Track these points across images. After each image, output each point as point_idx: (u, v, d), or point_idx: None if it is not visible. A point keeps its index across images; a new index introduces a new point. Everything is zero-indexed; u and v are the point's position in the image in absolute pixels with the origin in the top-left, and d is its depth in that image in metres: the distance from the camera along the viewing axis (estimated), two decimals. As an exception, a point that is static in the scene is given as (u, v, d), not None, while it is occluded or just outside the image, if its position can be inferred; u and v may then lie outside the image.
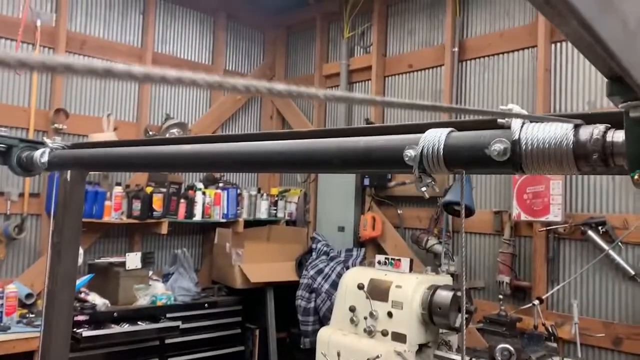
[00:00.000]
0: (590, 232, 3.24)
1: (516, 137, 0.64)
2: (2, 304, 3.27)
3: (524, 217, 3.46)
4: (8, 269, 3.80)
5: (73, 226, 1.69)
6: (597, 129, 0.62)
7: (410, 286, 3.00)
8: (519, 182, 3.50)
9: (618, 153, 0.62)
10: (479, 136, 0.69)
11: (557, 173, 0.69)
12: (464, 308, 2.56)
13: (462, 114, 3.84)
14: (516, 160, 0.66)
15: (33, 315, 3.39)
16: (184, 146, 1.03)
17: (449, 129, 0.71)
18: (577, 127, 0.63)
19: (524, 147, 0.64)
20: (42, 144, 1.45)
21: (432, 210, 4.04)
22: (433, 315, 2.90)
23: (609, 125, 0.64)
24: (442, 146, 0.69)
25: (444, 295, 2.89)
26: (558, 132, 0.62)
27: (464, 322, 2.79)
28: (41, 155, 1.42)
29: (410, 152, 0.70)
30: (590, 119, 0.67)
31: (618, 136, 0.62)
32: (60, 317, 1.62)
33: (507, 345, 2.31)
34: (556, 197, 3.33)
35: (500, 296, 3.02)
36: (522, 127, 0.65)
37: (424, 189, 0.75)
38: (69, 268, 1.72)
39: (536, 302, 2.81)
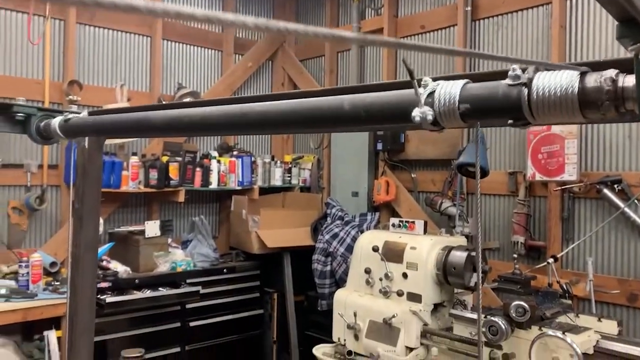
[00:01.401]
0: (605, 191, 3.23)
1: (527, 84, 0.65)
2: (27, 272, 3.37)
3: (538, 177, 3.45)
4: (31, 239, 3.91)
5: (93, 193, 1.73)
6: (606, 75, 0.63)
7: (425, 247, 3.03)
8: (534, 142, 3.48)
9: (629, 98, 0.63)
10: (492, 86, 0.69)
11: (567, 121, 0.70)
12: (480, 266, 2.59)
13: (476, 63, 3.76)
14: (527, 109, 0.66)
15: (58, 283, 3.50)
16: (203, 108, 1.05)
17: (464, 80, 0.72)
18: (584, 74, 0.63)
19: (534, 95, 0.65)
20: (60, 112, 1.48)
21: (446, 173, 4.04)
22: (448, 275, 2.93)
23: (619, 71, 0.64)
24: (456, 96, 0.70)
25: (459, 256, 2.92)
26: (566, 79, 0.63)
27: (480, 280, 2.83)
28: (60, 123, 1.45)
29: (424, 104, 0.71)
30: (600, 66, 0.67)
31: (628, 81, 0.63)
32: (85, 281, 1.68)
33: (522, 302, 2.34)
34: (571, 156, 3.31)
35: (515, 256, 3.04)
36: (532, 76, 0.66)
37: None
38: (91, 234, 1.77)
39: (551, 260, 2.83)
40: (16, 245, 3.77)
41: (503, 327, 2.36)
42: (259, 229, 4.49)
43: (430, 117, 0.72)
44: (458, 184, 3.86)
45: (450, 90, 0.71)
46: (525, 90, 0.65)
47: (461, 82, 0.72)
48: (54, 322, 3.33)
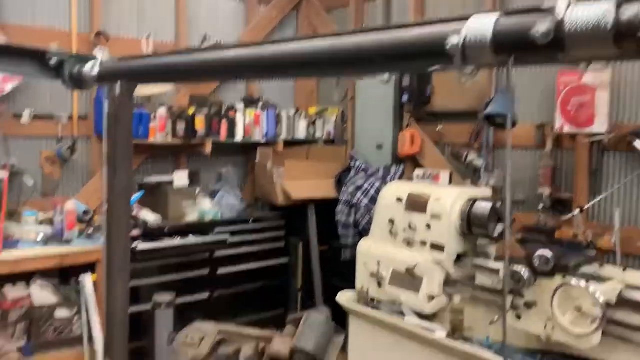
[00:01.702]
0: (636, 143, 3.17)
1: (560, 17, 0.65)
2: (62, 220, 3.50)
3: (567, 129, 3.40)
4: (64, 188, 4.03)
5: (125, 139, 1.76)
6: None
7: (449, 198, 3.04)
8: (563, 93, 3.40)
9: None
10: (524, 20, 0.69)
11: (601, 57, 0.70)
12: (509, 213, 2.60)
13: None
14: (560, 42, 0.66)
15: (91, 231, 3.62)
16: (236, 49, 1.06)
17: (495, 14, 0.72)
18: (621, 4, 0.63)
19: (567, 28, 0.65)
20: (93, 58, 1.51)
21: (472, 125, 4.00)
22: (472, 226, 2.95)
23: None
24: (487, 32, 0.70)
25: (483, 207, 2.93)
26: (601, 10, 0.62)
27: (509, 227, 2.84)
28: (92, 69, 1.48)
29: (453, 39, 0.71)
30: (636, -1, 0.66)
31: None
32: (120, 227, 1.71)
33: (545, 252, 2.35)
34: (602, 108, 3.24)
35: (540, 208, 3.03)
36: (567, 8, 0.65)
37: (465, 79, 0.77)
38: (124, 180, 1.80)
39: (577, 211, 2.82)
40: (50, 194, 3.90)
41: (526, 275, 2.39)
42: (283, 181, 4.55)
43: (460, 54, 0.73)
44: (485, 135, 3.83)
45: (483, 25, 0.71)
46: (558, 23, 0.65)
47: (494, 16, 0.72)
48: (89, 267, 3.47)
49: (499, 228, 2.91)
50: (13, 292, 3.31)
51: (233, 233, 4.33)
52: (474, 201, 2.98)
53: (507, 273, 1.75)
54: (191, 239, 4.00)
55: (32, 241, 3.35)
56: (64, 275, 3.71)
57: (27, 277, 3.45)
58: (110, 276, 1.55)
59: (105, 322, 1.47)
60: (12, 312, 3.26)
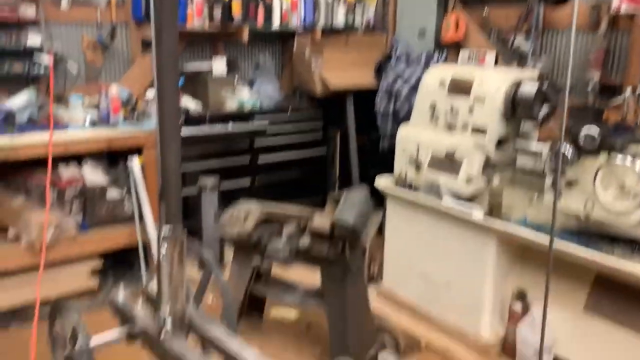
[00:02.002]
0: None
1: None
2: (107, 104, 3.58)
3: (625, 8, 3.19)
4: (106, 75, 4.09)
5: (170, 22, 1.72)
6: None
7: (494, 80, 2.97)
8: (625, -32, 3.16)
9: None
10: None
11: None
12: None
13: None
14: None
15: (135, 115, 3.71)
16: None
17: None
18: None
19: None
20: None
21: (521, 8, 3.80)
22: (516, 108, 2.90)
23: None
24: None
25: (529, 88, 2.85)
26: None
27: (549, 113, 2.77)
28: None
29: None
30: None
31: None
32: (170, 107, 1.69)
33: (591, 129, 2.31)
34: (666, -17, 3.01)
35: (588, 90, 2.93)
36: None
37: None
38: (171, 62, 1.77)
39: (628, 92, 2.71)
40: (93, 80, 3.97)
41: (569, 153, 2.37)
42: (321, 70, 4.49)
43: None
44: (534, 17, 3.63)
45: None
46: None
47: None
48: (136, 151, 3.59)
49: (544, 110, 2.86)
50: (67, 172, 3.48)
51: (272, 123, 4.37)
52: (519, 83, 2.90)
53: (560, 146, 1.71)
54: (231, 127, 4.06)
55: (80, 125, 3.46)
56: (112, 158, 3.86)
57: (78, 159, 3.61)
58: (165, 157, 1.58)
59: (161, 179, 1.55)
60: (68, 190, 3.45)
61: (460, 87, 3.09)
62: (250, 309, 3.18)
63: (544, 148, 2.73)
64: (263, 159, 4.41)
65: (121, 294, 1.71)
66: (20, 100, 3.31)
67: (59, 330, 1.63)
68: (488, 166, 3.01)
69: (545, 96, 2.82)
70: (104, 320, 3.20)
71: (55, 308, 1.64)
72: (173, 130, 1.55)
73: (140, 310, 1.63)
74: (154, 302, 1.59)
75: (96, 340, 1.56)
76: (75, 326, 1.52)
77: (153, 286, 1.61)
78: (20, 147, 3.08)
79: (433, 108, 3.23)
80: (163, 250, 1.47)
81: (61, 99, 3.70)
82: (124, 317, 1.66)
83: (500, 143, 3.05)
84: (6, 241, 3.31)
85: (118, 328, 1.66)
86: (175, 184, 1.55)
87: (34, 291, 3.18)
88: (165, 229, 1.48)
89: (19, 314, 3.22)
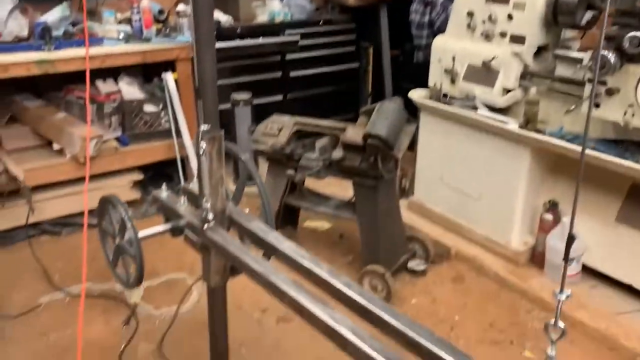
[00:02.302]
0: None
1: None
2: (140, 18, 3.57)
3: None
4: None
5: None
6: None
7: (536, -16, 2.82)
8: None
9: None
10: None
11: None
12: None
13: None
14: None
15: (168, 30, 3.70)
16: None
17: None
18: None
19: None
20: None
21: None
22: (558, 14, 2.77)
23: None
24: None
25: (573, -8, 2.71)
26: None
27: (592, 18, 2.63)
28: None
29: None
30: None
31: None
32: (206, 19, 1.66)
33: (637, 34, 2.20)
34: None
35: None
36: None
37: None
38: None
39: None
40: (124, -6, 3.94)
41: (612, 59, 2.28)
42: (355, -21, 4.34)
43: None
44: None
45: None
46: None
47: None
48: (169, 65, 3.62)
49: (588, 16, 2.73)
50: (105, 87, 3.55)
51: (303, 35, 4.29)
52: (563, -14, 2.75)
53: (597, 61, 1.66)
54: (263, 39, 4.01)
55: (114, 39, 3.48)
56: (147, 75, 3.91)
57: (114, 74, 3.67)
58: (201, 69, 1.59)
59: (197, 78, 1.57)
60: (106, 105, 3.53)
61: (499, -7, 2.95)
62: (285, 221, 3.29)
63: (585, 56, 2.63)
64: (295, 73, 4.39)
65: (164, 191, 1.81)
66: (54, 16, 3.33)
67: (107, 223, 1.75)
68: (525, 76, 2.94)
69: (589, 1, 2.68)
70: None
71: (104, 202, 1.74)
72: (208, 35, 1.55)
73: (183, 206, 1.72)
74: (195, 199, 1.67)
75: (144, 232, 1.67)
76: (124, 218, 1.62)
77: (194, 186, 1.69)
78: (58, 61, 3.14)
79: (470, 16, 3.12)
80: (202, 147, 1.53)
81: (94, 14, 3.70)
82: (168, 213, 1.76)
83: (539, 52, 2.95)
84: (51, 155, 3.45)
85: (163, 224, 1.77)
86: (211, 83, 1.57)
87: (81, 201, 3.37)
88: (204, 127, 1.53)
89: (68, 223, 3.42)
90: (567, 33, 3.00)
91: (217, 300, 1.91)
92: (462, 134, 3.17)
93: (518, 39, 2.91)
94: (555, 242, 2.79)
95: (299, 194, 3.16)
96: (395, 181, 3.09)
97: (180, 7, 3.77)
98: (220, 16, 3.95)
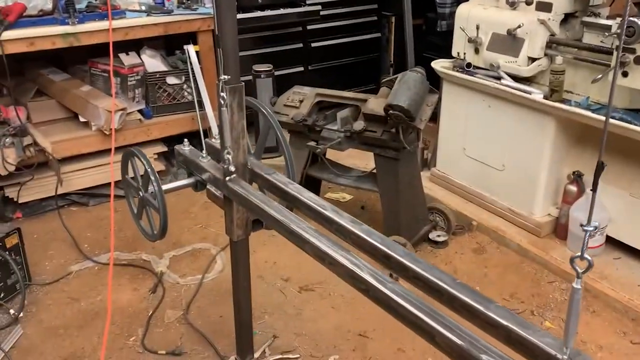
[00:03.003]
0: None
1: None
2: (161, -10, 3.57)
3: None
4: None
5: None
6: None
7: (564, -51, 2.73)
8: None
9: None
10: None
11: None
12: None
13: None
14: None
15: (189, 1, 3.69)
16: None
17: None
18: None
19: None
20: None
21: None
22: (586, -21, 2.69)
23: None
24: None
25: (603, -43, 2.62)
26: None
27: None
28: None
29: None
30: None
31: None
32: None
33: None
34: None
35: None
36: None
37: None
38: None
39: None
40: (145, -34, 3.93)
41: (641, 27, 2.22)
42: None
43: None
44: None
45: None
46: None
47: None
48: (191, 37, 3.63)
49: (619, -20, 2.64)
50: (128, 60, 3.58)
51: (324, 5, 4.24)
52: (592, -49, 2.67)
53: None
54: (283, 10, 3.98)
55: (136, 11, 3.49)
56: (169, 47, 3.93)
57: (137, 47, 3.69)
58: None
59: (217, 29, 1.56)
60: (130, 77, 3.57)
61: (526, -41, 2.87)
62: (307, 191, 3.32)
63: (613, 23, 2.56)
64: (316, 43, 4.35)
65: (187, 146, 1.84)
66: (77, -12, 3.35)
67: (131, 176, 1.79)
68: (551, 45, 2.87)
69: (621, -35, 2.60)
70: (172, 201, 3.46)
71: (127, 155, 1.78)
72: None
73: (205, 159, 1.75)
74: (217, 154, 1.68)
75: (167, 185, 1.71)
76: (148, 171, 1.65)
77: (216, 141, 1.71)
78: (82, 34, 3.17)
79: (495, -17, 3.04)
80: (223, 98, 1.54)
81: (116, -14, 3.71)
82: (190, 167, 1.79)
83: (566, 19, 2.88)
84: (77, 127, 3.52)
85: (186, 178, 1.81)
86: (231, 32, 1.55)
87: (107, 173, 3.44)
88: (224, 77, 1.53)
89: (95, 194, 3.50)
90: (596, 0, 2.91)
91: (240, 261, 1.93)
92: (485, 105, 3.13)
93: (544, 6, 2.83)
94: (579, 213, 2.76)
95: (320, 165, 3.17)
96: (417, 152, 3.08)
97: (201, -23, 3.76)
98: (240, -14, 3.92)
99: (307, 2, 4.13)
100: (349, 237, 1.33)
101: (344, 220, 1.36)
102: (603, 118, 2.53)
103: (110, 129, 3.28)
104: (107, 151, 3.43)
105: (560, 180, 2.97)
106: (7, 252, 2.52)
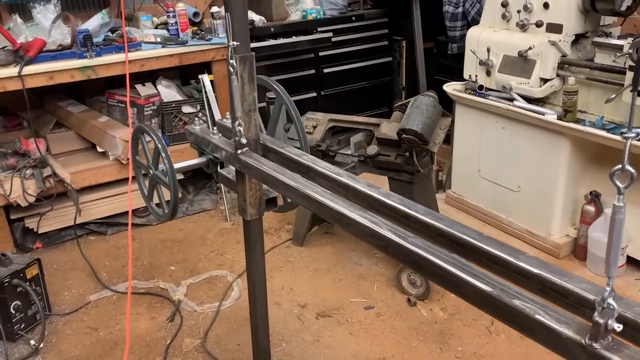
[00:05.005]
0: None
1: None
2: (176, 22, 3.65)
3: None
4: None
5: None
6: None
7: (573, -29, 2.76)
8: None
9: None
10: None
11: None
12: None
13: None
14: None
15: (203, 32, 3.77)
16: None
17: None
18: None
19: None
20: None
21: None
22: (596, 0, 2.71)
23: None
24: None
25: (612, -23, 2.64)
26: None
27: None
28: None
29: None
30: None
31: None
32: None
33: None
34: None
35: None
36: None
37: None
38: None
39: None
40: (159, 0, 4.04)
41: (654, 46, 2.22)
42: (386, -27, 4.32)
43: None
44: None
45: None
46: None
47: None
48: (205, 67, 3.69)
49: (627, 1, 2.65)
50: (144, 90, 3.65)
51: (336, 32, 4.30)
52: (601, -28, 2.69)
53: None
54: (295, 38, 4.05)
55: (152, 43, 3.57)
56: (184, 77, 4.00)
57: (152, 78, 3.77)
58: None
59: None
60: (146, 107, 3.63)
61: (534, -18, 2.90)
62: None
63: (625, 43, 2.56)
64: (328, 69, 4.40)
65: (198, 125, 1.80)
66: (95, 22, 3.44)
67: (142, 154, 1.75)
68: (563, 65, 2.88)
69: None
70: (188, 228, 3.48)
71: (137, 132, 1.75)
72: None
73: (216, 137, 1.70)
74: (228, 132, 1.64)
75: (178, 164, 1.67)
76: (158, 147, 1.62)
77: (226, 120, 1.67)
78: (99, 67, 3.25)
79: (505, 6, 3.07)
80: (233, 66, 1.46)
81: (132, 20, 3.81)
82: (202, 145, 1.74)
83: (577, 40, 2.89)
84: (95, 157, 3.58)
85: (198, 158, 1.77)
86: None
87: (124, 202, 3.49)
88: (233, 43, 1.44)
89: (112, 223, 3.54)
90: (607, 19, 2.93)
91: (254, 244, 1.88)
92: (498, 126, 3.13)
93: (555, 28, 2.85)
94: (597, 234, 2.73)
95: (335, 190, 3.17)
96: (432, 175, 3.08)
97: (214, 8, 3.84)
98: (253, 16, 3.99)
99: (319, 30, 4.19)
100: (367, 201, 1.27)
101: (361, 185, 1.31)
102: (618, 138, 2.52)
103: (128, 159, 3.33)
104: (124, 180, 3.48)
105: (578, 200, 2.94)
106: (27, 283, 2.55)
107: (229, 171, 1.80)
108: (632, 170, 0.79)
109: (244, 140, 1.54)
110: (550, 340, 0.83)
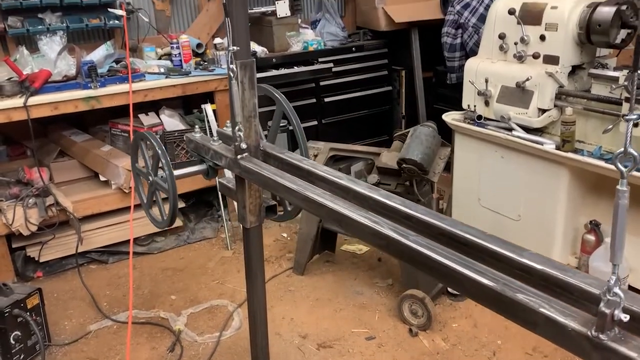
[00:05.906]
0: None
1: None
2: (179, 53, 3.72)
3: None
4: (175, 24, 4.22)
5: None
6: None
7: (568, 5, 2.82)
8: None
9: None
10: None
11: None
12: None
13: None
14: None
15: (206, 62, 3.83)
16: None
17: None
18: None
19: None
20: None
21: None
22: (591, 33, 2.76)
23: None
24: None
25: (606, 11, 2.70)
26: None
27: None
28: None
29: None
30: None
31: None
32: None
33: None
34: None
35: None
36: None
37: None
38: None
39: None
40: (163, 30, 4.12)
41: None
42: (385, 5, 4.41)
43: None
44: None
45: None
46: None
47: None
48: (208, 97, 3.74)
49: (622, 34, 2.71)
50: (147, 119, 3.70)
51: (336, 62, 4.37)
52: (595, 6, 2.75)
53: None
54: (297, 68, 4.12)
55: (155, 74, 3.63)
56: (187, 106, 4.05)
57: (155, 108, 3.82)
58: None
59: (227, 4, 1.47)
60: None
61: (531, 15, 2.96)
62: (323, 245, 3.33)
63: (621, 74, 2.61)
64: (329, 98, 4.46)
65: (198, 133, 1.81)
66: (99, 54, 3.51)
67: (142, 161, 1.75)
68: (560, 96, 2.92)
69: (623, 18, 2.67)
70: (189, 256, 3.48)
71: (138, 139, 1.75)
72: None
73: (216, 143, 1.69)
74: (228, 140, 1.63)
75: (178, 171, 1.66)
76: (158, 152, 1.61)
77: (226, 129, 1.67)
78: (104, 97, 3.30)
79: (502, 38, 3.13)
80: (234, 71, 1.45)
81: (136, 51, 3.88)
82: (202, 152, 1.74)
83: (573, 71, 2.94)
84: (98, 186, 3.60)
85: (198, 165, 1.77)
86: (241, 3, 1.49)
87: (126, 230, 3.50)
88: (233, 48, 1.43)
89: (114, 252, 3.55)
90: (603, 51, 2.98)
91: (253, 247, 1.84)
92: (497, 156, 3.16)
93: (551, 59, 2.90)
94: (598, 263, 2.73)
95: (336, 219, 3.19)
96: (432, 204, 3.10)
97: (217, 40, 3.92)
98: (256, 47, 4.07)
99: (320, 60, 4.26)
100: (368, 203, 1.27)
101: (361, 187, 1.32)
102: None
103: (130, 187, 3.35)
104: (126, 209, 3.50)
105: (578, 229, 2.95)
106: (28, 313, 2.55)
107: (229, 180, 1.80)
108: (635, 154, 0.77)
109: (244, 146, 1.54)
110: (556, 333, 0.82)
